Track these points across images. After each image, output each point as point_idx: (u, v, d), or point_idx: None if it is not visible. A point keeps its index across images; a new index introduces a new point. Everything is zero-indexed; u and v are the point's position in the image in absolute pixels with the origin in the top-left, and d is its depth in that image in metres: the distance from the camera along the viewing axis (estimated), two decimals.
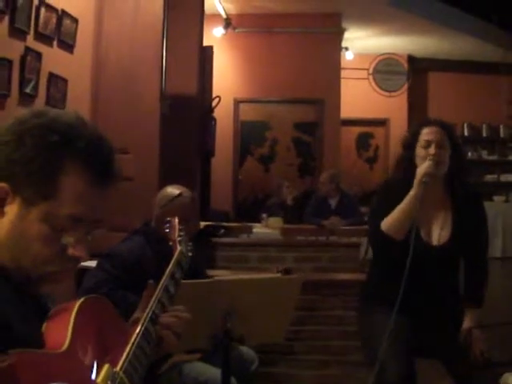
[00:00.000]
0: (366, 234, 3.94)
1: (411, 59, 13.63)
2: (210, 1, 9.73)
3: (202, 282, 3.32)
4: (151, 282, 1.91)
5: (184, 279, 2.19)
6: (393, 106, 13.38)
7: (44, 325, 1.53)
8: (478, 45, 12.37)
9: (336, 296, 5.51)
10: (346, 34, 12.05)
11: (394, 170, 3.75)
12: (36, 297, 1.61)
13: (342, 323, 5.40)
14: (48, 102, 5.39)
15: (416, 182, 3.41)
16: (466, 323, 3.57)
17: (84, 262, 1.55)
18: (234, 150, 11.96)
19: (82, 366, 1.48)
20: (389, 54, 13.24)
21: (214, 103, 9.32)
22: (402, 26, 11.69)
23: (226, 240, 7.22)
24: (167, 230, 2.47)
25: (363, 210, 8.67)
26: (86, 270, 3.87)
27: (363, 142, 14.01)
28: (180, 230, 2.42)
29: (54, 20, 5.43)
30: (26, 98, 5.07)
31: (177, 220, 2.49)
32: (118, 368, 1.52)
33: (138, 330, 1.68)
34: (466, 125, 13.99)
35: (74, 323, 1.51)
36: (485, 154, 14.22)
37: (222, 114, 10.40)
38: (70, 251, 1.55)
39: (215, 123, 9.47)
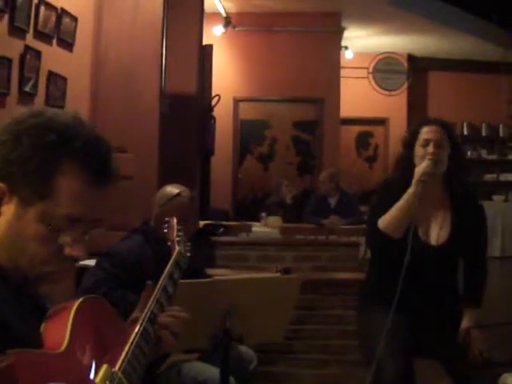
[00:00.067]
0: (364, 232, 3.93)
1: (411, 58, 13.64)
2: None
3: (201, 281, 3.32)
4: (150, 282, 1.91)
5: (183, 278, 2.19)
6: (392, 105, 13.38)
7: (42, 325, 1.52)
8: (478, 44, 12.37)
9: (335, 295, 5.50)
10: (346, 33, 12.05)
11: (393, 169, 3.74)
12: (34, 297, 1.61)
13: (342, 322, 5.39)
14: (47, 101, 5.39)
15: (414, 181, 3.41)
16: (465, 323, 3.57)
17: (83, 261, 1.54)
18: (233, 148, 11.97)
19: (81, 366, 1.48)
20: (388, 53, 13.23)
21: (213, 102, 9.33)
22: (402, 25, 11.69)
23: (226, 239, 7.23)
24: (166, 231, 2.47)
25: (363, 209, 8.67)
26: (86, 268, 3.87)
27: (363, 141, 14.01)
28: (179, 231, 2.42)
29: (54, 18, 5.42)
30: (26, 97, 5.06)
31: (175, 220, 2.49)
32: (117, 368, 1.52)
33: (136, 330, 1.68)
34: (465, 124, 13.99)
35: (73, 323, 1.51)
36: (484, 154, 14.22)
37: (222, 112, 10.40)
38: (67, 251, 1.54)
39: (215, 122, 9.47)
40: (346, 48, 12.67)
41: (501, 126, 14.08)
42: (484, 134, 14.26)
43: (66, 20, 5.65)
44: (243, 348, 3.91)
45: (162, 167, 6.38)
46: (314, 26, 11.55)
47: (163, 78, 6.57)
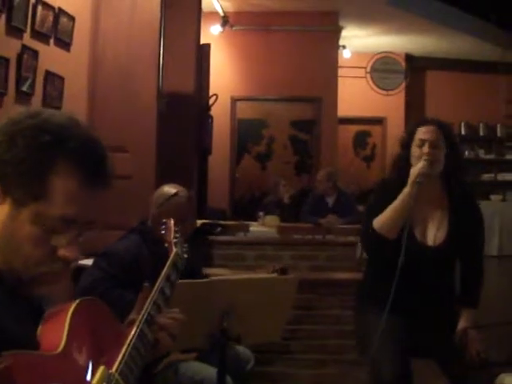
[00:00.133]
0: (358, 233, 3.94)
1: (409, 58, 13.63)
2: None
3: (199, 281, 3.32)
4: (147, 284, 1.91)
5: (181, 278, 2.19)
6: (390, 105, 13.39)
7: (39, 327, 1.52)
8: (476, 44, 12.37)
9: (333, 295, 5.51)
10: (344, 33, 12.04)
11: (390, 170, 3.74)
12: (29, 298, 1.60)
13: (339, 322, 5.40)
14: (44, 100, 5.38)
15: (410, 182, 3.41)
16: (462, 323, 3.57)
17: (77, 262, 1.53)
18: (230, 147, 11.96)
19: (78, 368, 1.49)
20: (386, 52, 13.22)
21: (211, 101, 9.31)
22: (400, 25, 11.69)
23: (223, 238, 7.23)
24: (163, 232, 2.47)
25: (360, 208, 8.66)
26: (83, 268, 3.87)
27: (360, 140, 14.01)
28: (176, 232, 2.42)
29: (51, 18, 5.41)
30: (23, 97, 5.05)
31: (173, 222, 2.49)
32: (114, 369, 1.52)
33: (133, 332, 1.68)
34: (463, 124, 13.99)
35: (70, 325, 1.51)
36: (482, 153, 14.23)
37: (219, 111, 10.39)
38: (61, 252, 1.54)
39: (212, 121, 9.46)
40: (344, 47, 12.65)
41: (498, 125, 14.09)
42: (482, 133, 14.27)
43: (64, 20, 5.64)
44: (240, 348, 3.92)
45: (160, 166, 6.37)
46: (311, 26, 11.55)
47: (161, 77, 6.56)
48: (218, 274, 5.33)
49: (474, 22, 11.80)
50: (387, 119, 13.66)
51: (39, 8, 5.19)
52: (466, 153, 13.71)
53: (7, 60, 4.78)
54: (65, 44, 5.75)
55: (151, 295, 1.85)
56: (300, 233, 7.83)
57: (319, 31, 11.60)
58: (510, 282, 10.26)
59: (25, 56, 5.02)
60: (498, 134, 14.21)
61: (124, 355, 1.58)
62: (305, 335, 5.44)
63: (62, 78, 5.67)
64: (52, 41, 5.52)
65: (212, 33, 10.96)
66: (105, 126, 6.07)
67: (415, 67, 13.71)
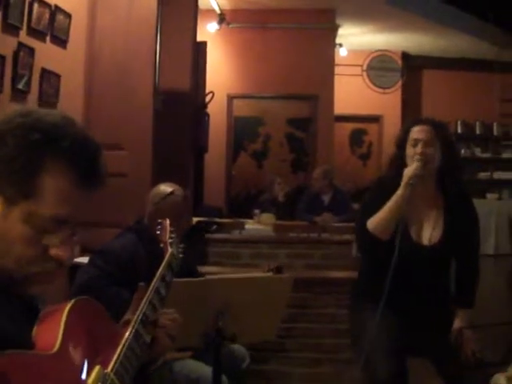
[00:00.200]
0: (353, 231, 3.94)
1: (405, 56, 13.62)
2: None
3: (194, 280, 3.32)
4: (142, 284, 1.91)
5: (176, 277, 2.20)
6: (386, 103, 13.38)
7: (35, 326, 1.52)
8: (472, 43, 12.37)
9: (328, 294, 5.51)
10: (340, 31, 12.03)
11: (386, 169, 3.75)
12: (23, 298, 1.60)
13: (334, 321, 5.40)
14: (41, 98, 5.37)
15: (402, 183, 3.41)
16: (457, 323, 3.58)
17: (71, 262, 1.53)
18: (227, 145, 11.94)
19: (73, 368, 1.49)
20: (383, 50, 13.22)
21: (207, 99, 9.31)
22: (397, 23, 11.67)
23: (218, 236, 7.23)
24: (158, 232, 2.47)
25: (356, 206, 8.66)
26: (79, 266, 3.88)
27: (356, 138, 14.00)
28: (171, 232, 2.42)
29: (47, 15, 5.40)
30: (19, 94, 5.04)
31: (168, 222, 2.49)
32: (109, 369, 1.53)
33: (128, 332, 1.68)
34: (459, 122, 13.98)
35: (65, 325, 1.51)
36: (478, 152, 14.22)
37: (216, 109, 10.39)
38: (54, 252, 1.53)
39: (208, 119, 9.46)
40: (341, 45, 12.64)
41: (495, 124, 14.08)
42: (478, 132, 14.25)
43: (60, 17, 5.63)
44: (235, 346, 3.93)
45: (156, 164, 6.36)
46: (308, 23, 11.54)
47: (157, 74, 6.55)
48: (212, 272, 5.34)
49: (470, 21, 11.79)
50: (383, 117, 13.65)
51: (35, 5, 5.18)
52: (463, 151, 13.72)
53: (3, 57, 4.77)
54: (61, 41, 5.74)
55: (146, 295, 1.85)
56: (295, 231, 7.82)
57: (316, 29, 11.59)
58: (505, 281, 10.28)
59: (21, 53, 5.00)
60: (495, 132, 14.20)
61: (119, 355, 1.59)
62: (300, 334, 5.45)
63: (58, 76, 5.66)
64: (48, 38, 5.51)
65: (209, 30, 10.95)
66: (101, 124, 6.06)
67: (412, 65, 13.70)
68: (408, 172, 3.41)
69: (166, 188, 3.98)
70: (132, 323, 1.72)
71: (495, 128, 14.12)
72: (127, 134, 6.17)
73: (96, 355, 1.55)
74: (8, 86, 4.88)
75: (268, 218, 8.72)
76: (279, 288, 3.35)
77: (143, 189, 5.09)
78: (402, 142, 3.59)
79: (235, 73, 11.74)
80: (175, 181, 4.14)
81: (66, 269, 1.62)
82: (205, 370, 3.57)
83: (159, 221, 2.54)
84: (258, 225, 8.47)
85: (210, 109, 9.49)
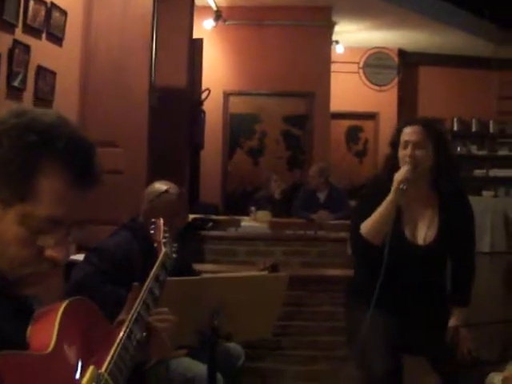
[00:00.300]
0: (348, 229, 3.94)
1: (402, 53, 13.63)
2: None
3: (189, 279, 3.32)
4: (136, 284, 1.91)
5: (171, 275, 2.19)
6: (383, 100, 13.38)
7: (29, 327, 1.51)
8: (469, 39, 12.38)
9: (324, 292, 5.51)
10: (337, 28, 12.02)
11: (381, 168, 3.73)
12: (16, 297, 1.59)
13: (330, 319, 5.40)
14: (36, 95, 5.36)
15: (393, 188, 3.39)
16: (453, 321, 3.58)
17: (66, 262, 1.52)
18: (223, 142, 11.93)
19: (67, 368, 1.49)
20: (379, 47, 13.23)
21: (203, 96, 9.31)
22: (393, 20, 11.68)
23: (214, 233, 7.22)
24: (152, 232, 2.47)
25: (352, 203, 8.65)
26: (74, 264, 3.87)
27: (352, 135, 14.00)
28: (165, 232, 2.42)
29: (43, 13, 5.39)
30: (14, 92, 5.02)
31: (162, 221, 2.49)
32: (103, 369, 1.53)
33: (122, 332, 1.68)
34: (455, 119, 14.01)
35: (60, 325, 1.51)
36: (474, 149, 14.25)
37: (212, 106, 10.38)
38: (49, 253, 1.53)
39: (204, 116, 9.45)
40: (337, 42, 12.63)
41: (491, 121, 14.10)
42: (474, 129, 14.28)
43: (56, 14, 5.62)
44: (231, 344, 3.94)
45: (152, 161, 6.35)
46: (304, 20, 11.53)
47: (153, 71, 6.54)
48: (208, 270, 5.33)
49: (466, 18, 11.82)
50: (380, 114, 13.65)
51: (31, 2, 5.16)
52: (458, 148, 13.77)
53: None
54: (57, 39, 5.72)
55: (140, 295, 1.85)
56: (292, 228, 7.82)
57: (312, 26, 11.58)
58: (501, 278, 10.30)
59: (16, 51, 4.99)
60: (491, 129, 14.22)
61: (113, 355, 1.58)
62: (296, 331, 5.44)
63: (53, 73, 5.65)
64: (44, 35, 5.49)
65: (205, 27, 10.93)
66: (96, 121, 6.06)
67: (408, 63, 13.71)
68: (398, 177, 3.39)
69: (160, 186, 3.97)
70: (126, 323, 1.72)
71: (491, 125, 14.15)
72: (123, 130, 6.17)
73: (90, 355, 1.54)
74: (3, 84, 4.87)
75: (264, 215, 8.72)
76: (275, 286, 3.34)
77: (139, 186, 5.09)
78: (395, 143, 3.57)
79: (231, 70, 11.73)
80: (171, 178, 4.14)
81: (61, 268, 1.61)
82: (200, 368, 3.57)
83: (153, 220, 2.54)
84: (254, 222, 8.47)
85: (206, 106, 9.48)
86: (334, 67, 12.18)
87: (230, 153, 12.07)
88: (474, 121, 14.14)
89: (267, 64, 11.46)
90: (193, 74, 8.45)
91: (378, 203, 3.43)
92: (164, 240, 2.36)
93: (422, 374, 3.73)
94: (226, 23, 11.33)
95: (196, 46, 8.75)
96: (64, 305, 1.55)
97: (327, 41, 12.03)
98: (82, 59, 6.29)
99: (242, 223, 7.92)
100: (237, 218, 8.19)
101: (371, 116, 13.77)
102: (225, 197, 11.97)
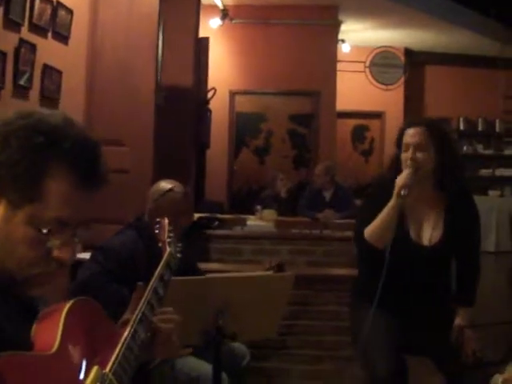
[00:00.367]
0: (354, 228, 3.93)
1: (408, 52, 13.60)
2: None
3: (194, 279, 3.32)
4: (140, 283, 1.91)
5: (176, 274, 2.19)
6: (389, 99, 13.35)
7: (33, 326, 1.52)
8: (475, 39, 12.36)
9: (329, 291, 5.50)
10: (343, 27, 12.01)
11: (387, 169, 3.72)
12: (21, 297, 1.60)
13: (335, 318, 5.39)
14: (42, 94, 5.36)
15: (394, 193, 3.38)
16: (458, 322, 3.57)
17: (72, 263, 1.53)
18: (229, 141, 11.94)
19: (72, 368, 1.49)
20: (386, 47, 13.19)
21: (209, 95, 9.31)
22: (400, 19, 11.66)
23: (220, 232, 7.22)
24: (157, 231, 2.46)
25: (357, 202, 8.64)
26: (81, 262, 3.88)
27: (359, 134, 13.99)
28: (170, 232, 2.42)
29: (49, 11, 5.39)
30: (20, 90, 5.03)
31: (167, 221, 2.49)
32: (107, 370, 1.53)
33: (127, 332, 1.68)
34: (461, 119, 14.00)
35: (64, 325, 1.51)
36: (480, 148, 14.23)
37: (218, 105, 10.38)
38: (56, 253, 1.53)
39: (210, 115, 9.46)
40: (343, 41, 12.61)
41: (497, 121, 14.07)
42: (480, 128, 14.25)
43: (62, 13, 5.63)
44: (236, 344, 3.93)
45: (157, 160, 6.36)
46: (310, 19, 11.52)
47: (159, 70, 6.55)
48: (214, 269, 5.34)
49: (473, 17, 11.80)
50: (386, 113, 13.63)
51: (37, 1, 5.17)
52: (465, 148, 13.76)
53: (4, 54, 4.76)
54: (63, 37, 5.73)
55: (145, 295, 1.85)
56: (297, 227, 7.82)
57: (318, 25, 11.57)
58: (506, 278, 10.26)
59: (22, 50, 4.99)
60: (497, 129, 14.20)
61: (118, 355, 1.59)
62: (301, 331, 5.44)
63: (59, 72, 5.66)
64: (50, 34, 5.50)
65: (211, 26, 10.92)
66: (103, 120, 6.07)
67: (414, 62, 13.69)
68: (399, 182, 3.37)
69: (165, 185, 3.97)
70: (130, 323, 1.72)
71: (498, 125, 14.12)
72: (129, 129, 6.17)
73: (94, 355, 1.55)
74: (10, 82, 4.88)
75: (269, 214, 8.72)
76: (280, 286, 3.34)
77: (145, 185, 5.09)
78: (399, 143, 3.56)
79: (237, 69, 11.73)
80: (177, 177, 4.14)
81: (67, 269, 1.62)
82: (205, 367, 3.57)
83: (158, 220, 2.54)
84: (259, 221, 8.48)
85: (212, 105, 9.49)
86: (340, 66, 12.17)
87: (235, 152, 12.07)
88: (480, 120, 14.12)
89: (273, 63, 11.45)
90: (199, 72, 8.45)
91: (384, 203, 3.42)
92: (169, 240, 2.35)
93: (427, 375, 3.73)
94: (233, 22, 11.32)
95: (202, 45, 8.76)
96: (68, 305, 1.56)
97: (333, 40, 12.02)
98: (88, 58, 6.29)
99: (248, 222, 7.92)
100: (242, 216, 8.20)
101: (377, 115, 13.76)
102: (231, 196, 11.97)
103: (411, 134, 3.47)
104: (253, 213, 8.98)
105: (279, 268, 4.79)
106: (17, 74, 4.95)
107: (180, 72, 7.72)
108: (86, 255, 4.06)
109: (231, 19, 11.25)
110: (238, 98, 11.96)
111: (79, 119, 5.64)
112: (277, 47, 11.54)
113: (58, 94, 5.66)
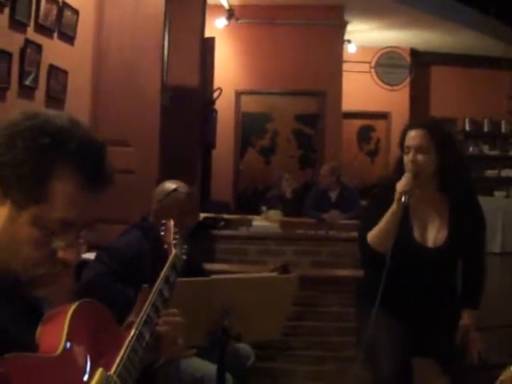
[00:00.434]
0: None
1: (414, 53, 13.59)
2: None
3: (199, 280, 3.32)
4: (145, 285, 1.91)
5: (181, 275, 2.19)
6: (395, 100, 13.34)
7: (38, 328, 1.52)
8: (480, 39, 12.35)
9: (334, 292, 5.50)
10: (349, 27, 12.00)
11: (392, 170, 3.72)
12: (26, 298, 1.60)
13: (340, 319, 5.39)
14: (48, 94, 5.37)
15: (395, 199, 3.37)
16: (463, 323, 3.56)
17: (76, 264, 1.53)
18: (235, 141, 11.93)
19: (76, 370, 1.49)
20: (391, 47, 13.19)
21: (215, 95, 9.31)
22: (406, 20, 11.65)
23: (226, 233, 7.21)
24: (162, 233, 2.47)
25: (363, 203, 8.63)
26: (86, 262, 3.89)
27: (364, 134, 13.98)
28: (175, 233, 2.42)
29: (55, 12, 5.40)
30: (26, 91, 5.04)
31: (172, 223, 2.48)
32: (112, 372, 1.53)
33: (132, 334, 1.68)
34: (467, 119, 13.99)
35: (69, 327, 1.51)
36: (486, 149, 14.22)
37: (224, 105, 10.38)
38: (60, 254, 1.54)
39: (216, 115, 9.46)
40: (349, 42, 12.61)
41: (503, 121, 14.07)
42: (486, 129, 14.25)
43: (68, 13, 5.63)
44: (240, 344, 3.94)
45: (163, 160, 6.36)
46: (316, 19, 11.51)
47: (165, 70, 6.55)
48: (220, 269, 5.34)
49: (478, 17, 11.79)
50: (391, 114, 13.62)
51: (43, 1, 5.17)
52: (470, 149, 13.75)
53: (10, 54, 4.76)
54: (69, 38, 5.73)
55: (150, 297, 1.85)
56: (303, 228, 7.80)
57: (324, 25, 11.56)
58: None
59: (28, 50, 5.00)
60: (503, 129, 14.19)
61: (122, 357, 1.59)
62: (305, 332, 5.44)
63: (65, 72, 5.66)
64: (56, 35, 5.50)
65: (217, 26, 10.92)
66: (108, 120, 6.07)
67: (420, 62, 13.67)
68: (399, 188, 3.36)
69: (170, 185, 3.98)
70: (135, 325, 1.72)
71: (503, 125, 14.12)
72: (135, 130, 6.18)
73: (99, 357, 1.55)
74: (15, 83, 4.88)
75: (275, 214, 8.71)
76: (284, 288, 3.35)
77: (150, 185, 5.09)
78: (402, 145, 3.55)
79: (243, 69, 11.72)
80: (182, 177, 4.15)
81: (71, 269, 1.62)
82: (210, 368, 3.57)
83: (163, 221, 2.53)
84: (265, 221, 8.46)
85: (217, 105, 9.49)
86: (345, 66, 12.16)
87: (241, 152, 12.06)
88: (485, 121, 14.11)
89: (279, 63, 11.44)
90: (205, 73, 8.46)
91: (388, 205, 3.42)
92: (174, 241, 2.35)
93: (432, 376, 3.72)
94: (239, 22, 11.31)
95: (208, 45, 8.76)
96: (73, 307, 1.56)
97: (339, 40, 12.02)
98: (94, 58, 6.30)
99: (254, 222, 7.90)
100: (248, 217, 8.18)
101: (383, 115, 13.74)
102: (236, 196, 11.97)
103: (412, 137, 3.46)
104: (258, 213, 8.96)
105: (284, 269, 4.79)
106: (22, 75, 4.95)
107: (186, 72, 7.72)
108: (91, 255, 4.07)
109: (237, 19, 11.25)
110: (243, 98, 11.95)
111: (85, 119, 5.66)
112: (283, 47, 11.53)
113: (64, 94, 5.66)
